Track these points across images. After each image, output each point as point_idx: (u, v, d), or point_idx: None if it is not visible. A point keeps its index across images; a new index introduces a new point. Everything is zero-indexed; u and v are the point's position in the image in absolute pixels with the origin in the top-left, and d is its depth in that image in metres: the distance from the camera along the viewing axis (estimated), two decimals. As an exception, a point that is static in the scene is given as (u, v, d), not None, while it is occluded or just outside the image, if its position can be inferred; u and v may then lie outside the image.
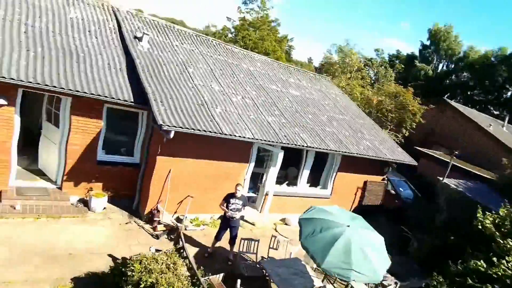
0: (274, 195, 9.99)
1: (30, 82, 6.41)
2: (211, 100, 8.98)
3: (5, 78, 6.13)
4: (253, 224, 9.78)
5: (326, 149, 10.31)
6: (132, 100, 7.72)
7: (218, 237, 7.53)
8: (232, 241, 7.56)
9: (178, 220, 8.44)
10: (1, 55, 6.50)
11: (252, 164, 9.46)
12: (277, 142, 9.03)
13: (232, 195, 7.31)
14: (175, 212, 8.61)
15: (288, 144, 9.32)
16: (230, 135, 8.00)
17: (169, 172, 8.09)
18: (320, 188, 11.68)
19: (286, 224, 10.66)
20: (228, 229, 7.45)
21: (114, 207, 8.29)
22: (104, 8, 10.50)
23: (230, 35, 31.78)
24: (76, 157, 7.83)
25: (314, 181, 11.83)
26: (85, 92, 7.04)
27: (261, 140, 8.68)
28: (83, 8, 9.83)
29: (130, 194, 8.52)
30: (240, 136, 8.19)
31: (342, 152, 10.66)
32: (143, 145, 8.63)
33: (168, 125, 7.00)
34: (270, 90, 12.05)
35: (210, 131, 7.64)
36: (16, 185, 7.44)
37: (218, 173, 8.88)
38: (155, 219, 7.96)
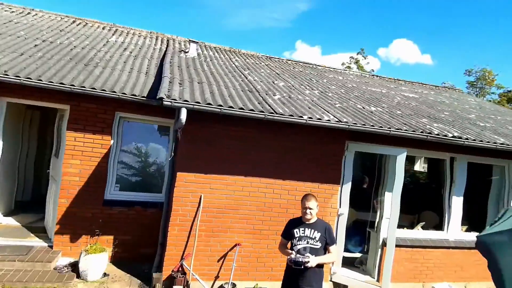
0: (400, 247, 5.48)
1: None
2: (267, 90, 5.84)
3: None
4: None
5: (494, 145, 5.51)
6: (144, 96, 5.22)
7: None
8: None
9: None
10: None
11: (348, 186, 5.38)
12: (388, 129, 4.98)
13: (297, 222, 3.51)
14: (217, 278, 4.95)
15: (413, 133, 5.10)
16: (291, 116, 4.46)
17: (200, 200, 4.84)
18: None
19: (435, 301, 5.66)
20: None
21: (121, 273, 5.17)
22: (157, 38, 9.28)
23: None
24: (73, 194, 5.35)
25: (471, 221, 6.73)
26: (72, 85, 4.87)
27: (355, 126, 4.79)
28: (131, 37, 8.68)
29: (153, 252, 5.38)
30: (310, 119, 4.55)
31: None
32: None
33: (174, 100, 4.03)
34: (369, 92, 8.29)
35: (252, 110, 4.31)
36: (-6, 244, 5.19)
37: (284, 203, 5.17)
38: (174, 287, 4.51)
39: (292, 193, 5.19)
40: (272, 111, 4.38)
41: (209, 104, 4.11)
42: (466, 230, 6.52)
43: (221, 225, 4.98)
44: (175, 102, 3.93)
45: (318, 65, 11.16)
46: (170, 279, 4.69)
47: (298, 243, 3.37)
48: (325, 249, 3.43)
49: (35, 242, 5.52)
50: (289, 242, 3.49)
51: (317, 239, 3.36)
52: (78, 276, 4.86)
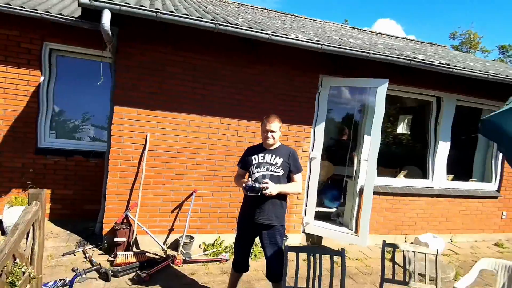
0: (379, 194, 4.88)
1: None
2: (227, 15, 4.95)
3: None
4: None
5: (485, 74, 4.79)
6: (75, 16, 4.24)
7: (236, 260, 2.90)
8: (273, 276, 2.79)
9: (176, 245, 4.09)
10: None
11: (321, 127, 4.66)
12: (368, 51, 4.22)
13: (256, 148, 2.89)
14: (171, 230, 4.26)
15: (395, 57, 4.36)
16: (249, 29, 3.64)
17: (146, 141, 4.05)
18: (475, 182, 5.91)
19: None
20: (261, 243, 2.79)
21: (59, 230, 4.42)
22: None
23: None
24: (-4, 140, 4.49)
25: (458, 173, 6.21)
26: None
27: (329, 46, 3.99)
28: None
29: (99, 208, 4.56)
30: (274, 34, 3.73)
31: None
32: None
33: None
34: (350, 36, 7.48)
35: (199, 18, 3.43)
36: None
37: (250, 146, 4.47)
38: (116, 239, 3.78)
39: (258, 136, 4.42)
40: (226, 22, 3.52)
41: (142, 6, 3.22)
42: (453, 179, 6.01)
43: (174, 170, 4.22)
44: (94, 1, 3.01)
45: (296, 16, 10.22)
46: (112, 232, 3.94)
47: (256, 170, 2.72)
48: (289, 178, 2.77)
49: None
50: (246, 168, 2.82)
51: (278, 165, 2.70)
52: (4, 234, 4.07)
